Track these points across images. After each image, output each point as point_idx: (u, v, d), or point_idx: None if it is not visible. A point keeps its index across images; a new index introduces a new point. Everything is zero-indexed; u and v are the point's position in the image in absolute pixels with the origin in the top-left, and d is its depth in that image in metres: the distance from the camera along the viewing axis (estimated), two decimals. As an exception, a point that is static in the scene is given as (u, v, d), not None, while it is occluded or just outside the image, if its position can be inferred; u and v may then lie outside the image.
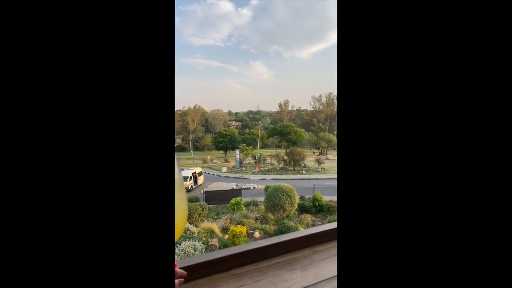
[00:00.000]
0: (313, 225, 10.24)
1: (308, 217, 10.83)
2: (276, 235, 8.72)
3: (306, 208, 11.56)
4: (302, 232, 0.93)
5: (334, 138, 35.99)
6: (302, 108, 61.33)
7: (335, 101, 51.07)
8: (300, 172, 23.81)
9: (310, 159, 27.29)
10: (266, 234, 9.32)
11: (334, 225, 0.99)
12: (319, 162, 25.08)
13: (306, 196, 12.84)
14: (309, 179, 19.87)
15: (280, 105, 57.79)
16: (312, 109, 53.37)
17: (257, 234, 9.27)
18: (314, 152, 33.21)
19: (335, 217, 10.61)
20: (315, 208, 11.64)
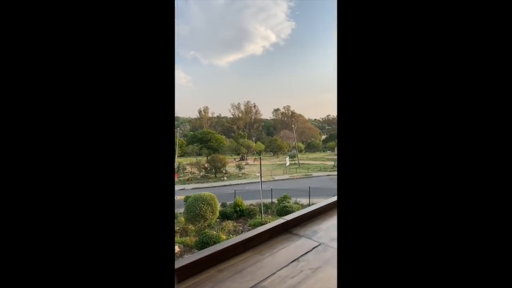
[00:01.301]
0: (235, 231, 10.32)
1: (229, 224, 10.85)
2: (197, 246, 8.36)
3: (228, 214, 11.57)
4: (208, 250, 0.86)
5: (253, 144, 37.69)
6: (222, 115, 61.94)
7: (253, 109, 53.83)
8: (222, 179, 23.82)
9: (231, 165, 27.68)
10: (187, 247, 8.82)
11: (242, 237, 0.96)
12: (239, 167, 25.72)
13: (228, 203, 12.88)
14: (230, 185, 20.06)
15: (199, 112, 56.77)
16: (232, 116, 54.60)
17: (176, 248, 8.66)
18: (235, 159, 33.90)
19: (256, 220, 11.01)
20: (237, 213, 11.79)
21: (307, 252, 0.91)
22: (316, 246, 0.96)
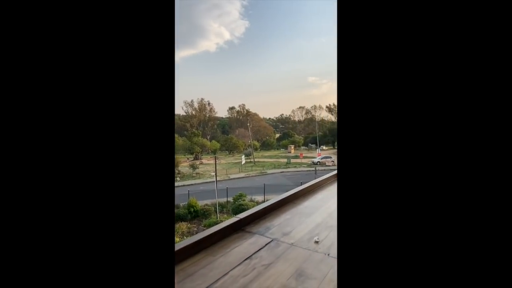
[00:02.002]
0: (189, 232, 9.99)
1: (183, 225, 10.47)
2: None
3: (181, 216, 11.15)
4: None
5: (207, 142, 36.91)
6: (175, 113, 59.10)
7: (208, 107, 52.70)
8: (175, 179, 22.80)
9: (184, 165, 26.67)
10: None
11: (193, 239, 0.92)
12: (193, 167, 24.96)
13: (181, 204, 12.40)
14: (184, 185, 19.33)
15: (150, 109, 53.12)
16: (185, 113, 52.61)
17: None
18: (188, 158, 32.74)
19: (211, 220, 10.82)
20: (191, 214, 11.43)
21: (259, 249, 0.92)
22: (269, 242, 0.97)
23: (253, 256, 0.88)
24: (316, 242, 0.95)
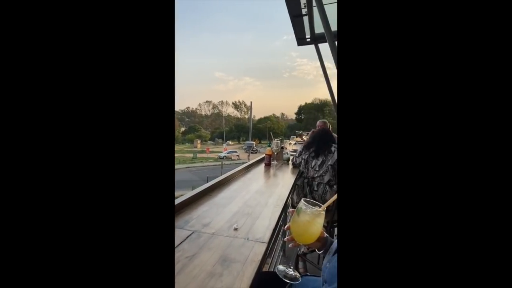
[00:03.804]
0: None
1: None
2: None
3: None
4: None
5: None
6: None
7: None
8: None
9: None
10: None
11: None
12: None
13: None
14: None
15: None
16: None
17: None
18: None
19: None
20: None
21: (181, 242, 0.90)
22: (190, 235, 0.96)
23: (176, 249, 0.86)
24: (236, 229, 1.01)
